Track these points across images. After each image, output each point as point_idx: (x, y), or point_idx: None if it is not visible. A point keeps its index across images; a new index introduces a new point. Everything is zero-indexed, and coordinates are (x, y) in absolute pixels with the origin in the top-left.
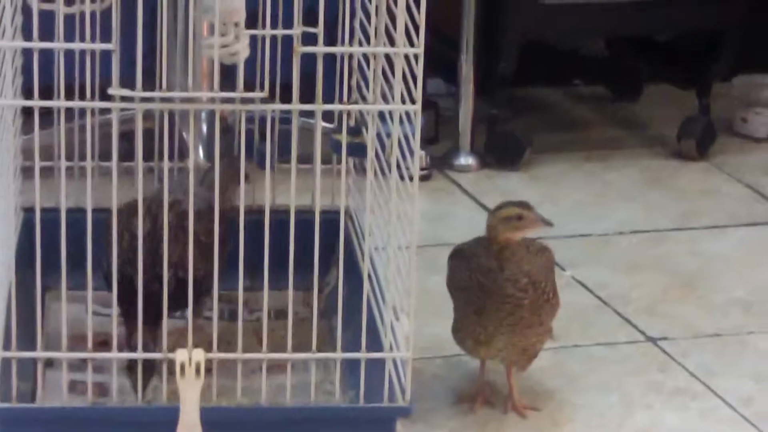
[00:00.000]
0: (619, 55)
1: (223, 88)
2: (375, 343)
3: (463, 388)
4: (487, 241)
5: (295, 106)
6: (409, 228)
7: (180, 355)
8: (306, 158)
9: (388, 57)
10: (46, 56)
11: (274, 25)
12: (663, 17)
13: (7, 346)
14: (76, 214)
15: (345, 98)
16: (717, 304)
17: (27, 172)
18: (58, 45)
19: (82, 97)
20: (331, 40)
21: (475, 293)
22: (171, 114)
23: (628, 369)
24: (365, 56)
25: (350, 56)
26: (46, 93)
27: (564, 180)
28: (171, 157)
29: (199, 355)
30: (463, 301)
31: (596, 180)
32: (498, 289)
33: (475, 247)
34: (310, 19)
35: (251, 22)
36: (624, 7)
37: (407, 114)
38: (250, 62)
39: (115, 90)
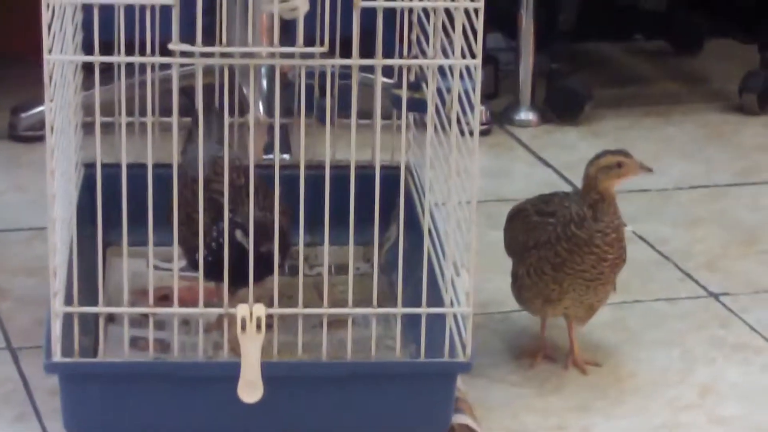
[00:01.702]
0: (679, 9)
1: (282, 44)
2: (435, 299)
3: (524, 344)
4: (583, 191)
5: (355, 61)
6: (469, 183)
7: (241, 310)
8: (366, 113)
9: (448, 11)
10: (106, 12)
11: None
12: None
13: (68, 301)
14: (137, 170)
15: (405, 53)
16: None
17: (88, 128)
18: (118, 0)
19: (143, 52)
20: None
21: (558, 246)
22: (231, 69)
23: (689, 324)
24: (425, 10)
25: (410, 10)
26: (107, 49)
27: (624, 135)
28: (231, 113)
29: (260, 310)
30: (536, 258)
31: (656, 135)
32: (589, 240)
33: (543, 204)
34: None
35: None
36: None
37: (467, 69)
38: (310, 17)
39: (175, 45)
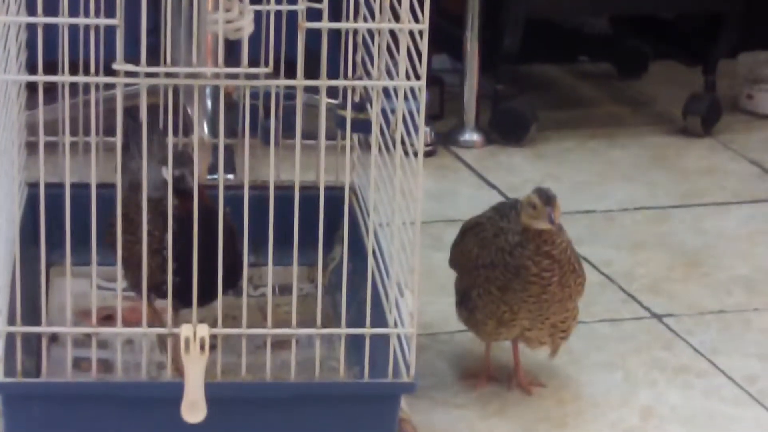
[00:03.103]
0: (623, 32)
1: (227, 64)
2: (379, 319)
3: (468, 365)
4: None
5: (300, 81)
6: (413, 204)
7: (185, 330)
8: (310, 134)
9: (392, 33)
10: (50, 31)
11: (278, 1)
12: None
13: (11, 321)
14: (80, 190)
15: (350, 74)
16: (721, 281)
17: (31, 148)
18: (62, 20)
19: (87, 72)
20: (335, 15)
21: (497, 270)
22: (176, 89)
23: (632, 346)
24: (370, 32)
25: (355, 32)
26: (51, 68)
27: (568, 157)
28: (176, 133)
29: (204, 330)
30: (484, 278)
31: (601, 157)
32: (521, 266)
33: (499, 219)
34: None
35: None
36: None
37: (412, 90)
38: (255, 38)
39: (119, 65)
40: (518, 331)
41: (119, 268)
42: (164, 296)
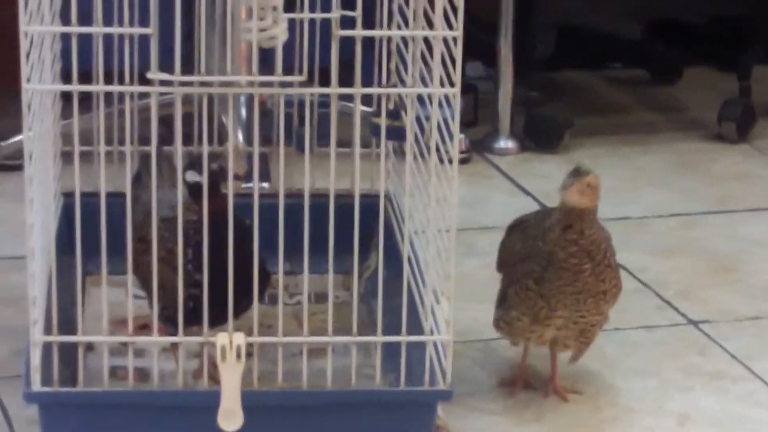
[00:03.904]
0: (656, 38)
1: (261, 72)
2: (415, 327)
3: (503, 372)
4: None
5: (334, 90)
6: (448, 211)
7: (221, 339)
8: (345, 142)
9: (426, 40)
10: (85, 41)
11: (312, 9)
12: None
13: (48, 330)
14: (116, 199)
15: (384, 82)
16: (756, 287)
17: (66, 157)
18: (97, 29)
19: (121, 81)
20: (369, 23)
21: (533, 260)
22: (210, 98)
23: (667, 352)
24: (404, 39)
25: (389, 39)
26: (85, 78)
27: (602, 163)
28: (210, 142)
29: (240, 338)
30: (521, 272)
31: (634, 163)
32: (551, 252)
33: (543, 218)
34: (348, 2)
35: (289, 5)
36: None
37: (446, 97)
38: (289, 46)
39: (153, 74)
40: (551, 333)
41: (155, 278)
42: (189, 321)
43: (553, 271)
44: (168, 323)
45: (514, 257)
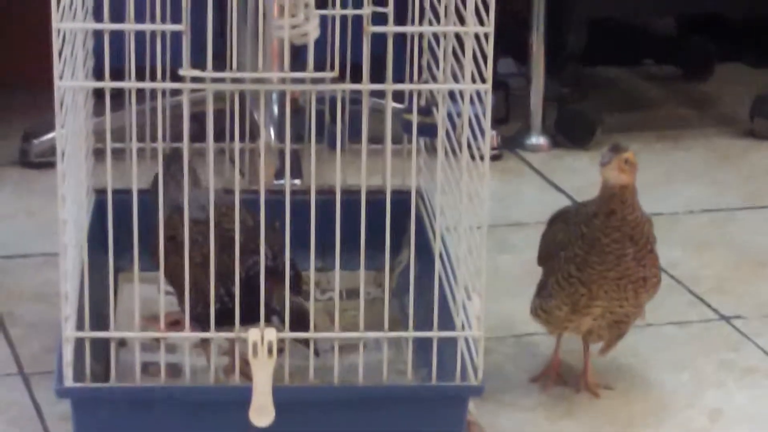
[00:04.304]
0: (689, 33)
1: (293, 69)
2: (447, 323)
3: (535, 368)
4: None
5: (365, 86)
6: (479, 207)
7: (252, 335)
8: (376, 138)
9: (458, 36)
10: (117, 38)
11: (344, 5)
12: None
13: (80, 326)
14: (148, 196)
15: (415, 78)
16: None
17: (99, 154)
18: (129, 26)
19: (153, 78)
20: (400, 19)
21: (576, 246)
22: (242, 95)
23: (700, 348)
24: (435, 35)
25: (420, 36)
26: (117, 75)
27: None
28: (242, 138)
29: (272, 334)
30: (563, 259)
31: (666, 159)
32: (594, 237)
33: (585, 205)
34: None
35: (321, 2)
36: None
37: (477, 93)
38: (320, 42)
39: (185, 71)
40: (588, 323)
41: (187, 272)
42: (220, 322)
43: (595, 255)
44: (198, 323)
45: (556, 246)
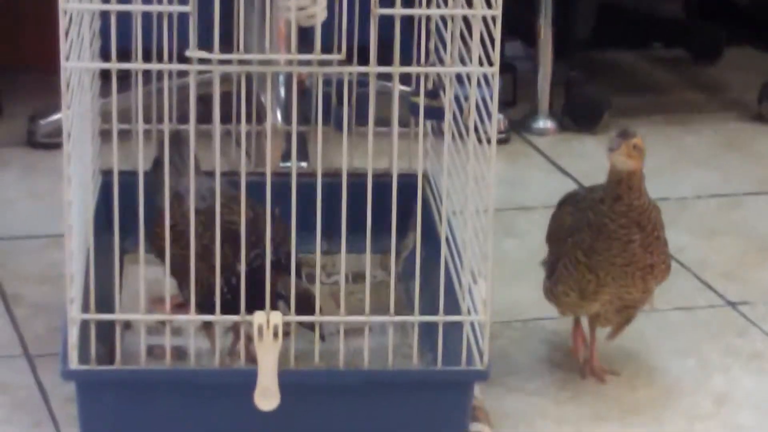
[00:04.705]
0: (697, 17)
1: (300, 51)
2: (452, 307)
3: (542, 352)
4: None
5: (373, 68)
6: (486, 191)
7: (258, 318)
8: (383, 121)
9: (465, 19)
10: (124, 19)
11: None
12: None
13: (85, 308)
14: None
15: (422, 61)
16: None
17: (105, 136)
18: (135, 7)
19: (160, 59)
20: (408, 2)
21: (584, 232)
22: (248, 77)
23: (705, 334)
24: (443, 18)
25: (428, 18)
26: (124, 56)
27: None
28: (248, 120)
29: (277, 317)
30: (571, 244)
31: (674, 143)
32: (601, 223)
33: (593, 190)
34: None
35: None
36: None
37: (485, 76)
38: (327, 24)
39: (192, 52)
40: (597, 308)
41: (193, 254)
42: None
43: (602, 241)
44: (201, 311)
45: (564, 231)
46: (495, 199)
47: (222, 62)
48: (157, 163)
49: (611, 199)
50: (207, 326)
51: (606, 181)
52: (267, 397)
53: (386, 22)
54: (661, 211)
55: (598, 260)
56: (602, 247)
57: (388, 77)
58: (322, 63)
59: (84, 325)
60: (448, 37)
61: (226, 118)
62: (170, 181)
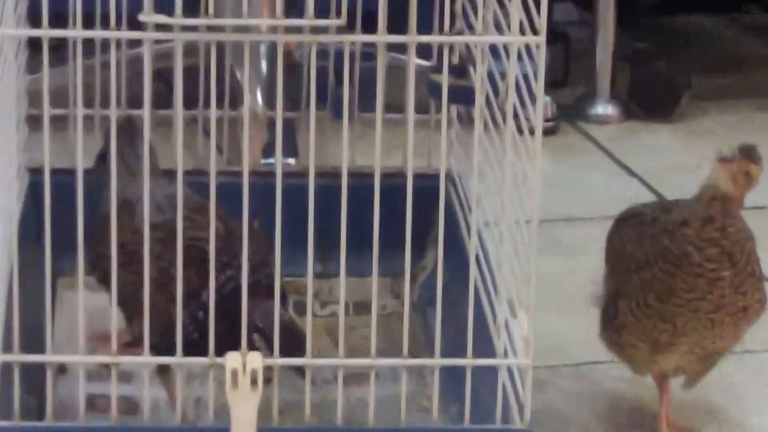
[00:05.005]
0: None
1: (288, 15)
2: (484, 347)
3: (599, 406)
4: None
5: (381, 37)
6: (528, 197)
7: (231, 360)
8: (395, 106)
9: None
10: None
11: None
12: None
13: (7, 348)
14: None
15: (446, 28)
16: None
17: (34, 123)
18: None
19: (105, 25)
20: None
21: (655, 267)
22: (220, 47)
23: None
24: None
25: None
26: (59, 21)
27: (731, 135)
28: (220, 104)
29: (256, 360)
30: (638, 284)
31: None
32: (681, 255)
33: (661, 211)
34: None
35: None
36: None
37: (527, 48)
38: None
39: (147, 16)
40: (675, 361)
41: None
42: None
43: (683, 278)
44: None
45: (625, 260)
46: (540, 207)
47: (186, 28)
48: (102, 160)
49: (700, 222)
50: (164, 371)
51: (695, 197)
52: None
53: None
54: (755, 240)
55: (676, 305)
56: (682, 287)
57: (401, 48)
58: (316, 30)
59: (6, 369)
60: None
61: (190, 102)
62: (118, 184)
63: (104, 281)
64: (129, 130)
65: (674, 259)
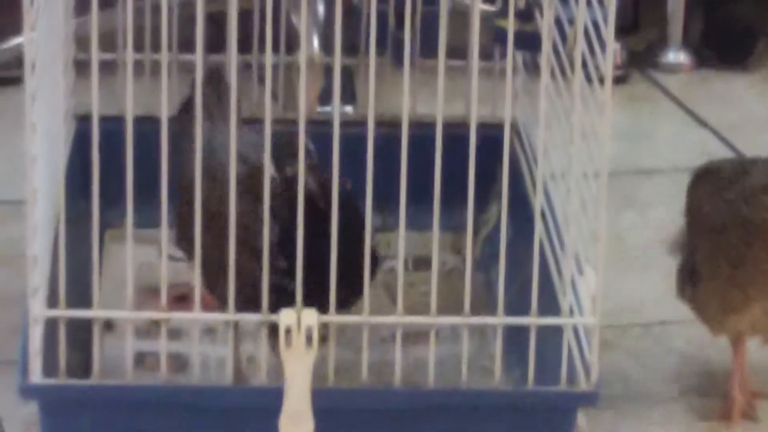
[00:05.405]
0: None
1: None
2: (549, 305)
3: (670, 367)
4: None
5: None
6: (597, 149)
7: (285, 318)
8: (458, 52)
9: None
10: None
11: None
12: None
13: (53, 302)
14: (148, 125)
15: None
16: None
17: (81, 68)
18: None
19: None
20: None
21: (731, 233)
22: None
23: None
24: None
25: None
26: None
27: None
28: (275, 49)
29: (312, 317)
30: (709, 247)
31: None
32: (761, 223)
33: (742, 172)
34: None
35: None
36: None
37: None
38: None
39: None
40: (749, 321)
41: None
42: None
43: (759, 247)
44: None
45: (701, 218)
46: (609, 160)
47: None
48: (186, 108)
49: None
50: (273, 334)
51: None
52: (297, 422)
53: None
54: None
55: (750, 273)
56: (757, 257)
57: None
58: None
59: (51, 325)
60: None
61: (245, 46)
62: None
63: (185, 243)
64: (213, 78)
65: (752, 228)
